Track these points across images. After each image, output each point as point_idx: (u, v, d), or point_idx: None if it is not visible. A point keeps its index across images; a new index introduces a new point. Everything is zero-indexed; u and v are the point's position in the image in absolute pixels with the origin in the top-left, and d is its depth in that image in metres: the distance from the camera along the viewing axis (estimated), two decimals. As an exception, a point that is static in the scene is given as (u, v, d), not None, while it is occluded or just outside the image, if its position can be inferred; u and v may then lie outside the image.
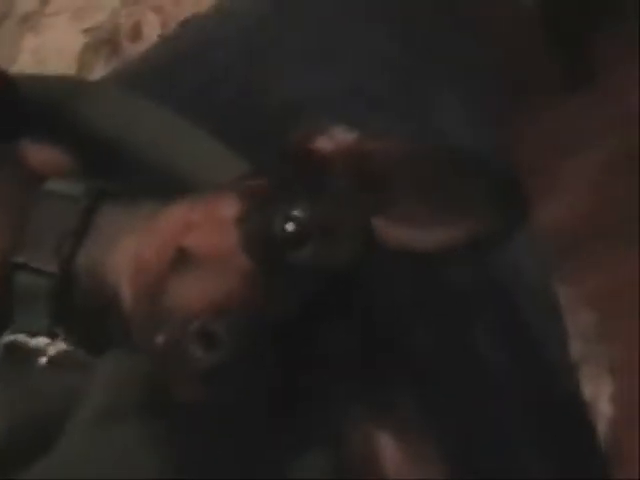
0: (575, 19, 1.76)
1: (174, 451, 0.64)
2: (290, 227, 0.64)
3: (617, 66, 1.78)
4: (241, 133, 0.81)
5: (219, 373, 0.59)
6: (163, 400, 0.62)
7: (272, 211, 0.65)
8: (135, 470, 0.64)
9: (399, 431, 0.68)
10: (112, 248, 0.69)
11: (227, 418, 0.63)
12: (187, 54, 0.94)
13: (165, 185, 0.76)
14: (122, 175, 0.77)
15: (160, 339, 0.60)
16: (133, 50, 1.14)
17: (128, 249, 0.68)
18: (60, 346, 0.70)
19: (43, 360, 0.70)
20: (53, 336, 0.70)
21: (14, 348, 0.70)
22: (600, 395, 1.35)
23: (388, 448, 0.68)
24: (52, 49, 1.14)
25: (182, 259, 0.63)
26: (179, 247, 0.64)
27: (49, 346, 0.70)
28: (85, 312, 0.70)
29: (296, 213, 0.64)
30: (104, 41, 1.14)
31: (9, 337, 0.70)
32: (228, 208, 0.67)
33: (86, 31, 1.14)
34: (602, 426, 1.32)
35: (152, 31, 1.14)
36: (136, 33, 1.15)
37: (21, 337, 0.70)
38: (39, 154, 0.75)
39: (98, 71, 1.14)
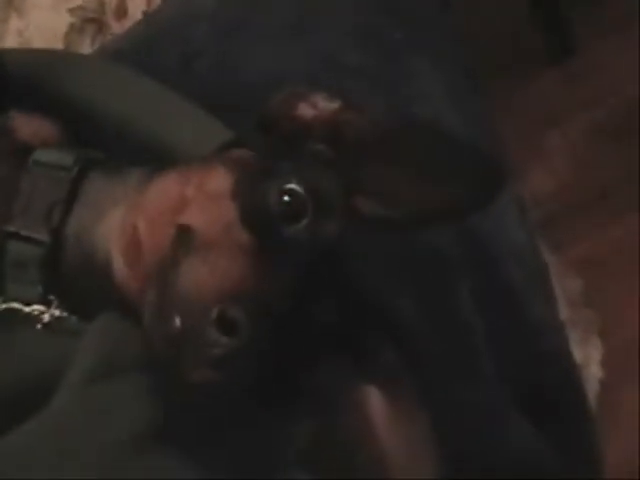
0: (553, 3, 1.79)
1: (161, 407, 0.65)
2: (287, 200, 0.65)
3: (592, 42, 1.80)
4: (217, 107, 0.81)
5: (234, 357, 0.59)
6: (168, 379, 0.62)
7: (266, 184, 0.65)
8: (121, 423, 0.64)
9: (385, 388, 0.69)
10: (101, 216, 0.70)
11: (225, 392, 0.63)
12: (167, 29, 0.95)
13: (149, 152, 0.77)
14: (107, 144, 0.78)
15: (177, 322, 0.59)
16: (119, 29, 1.13)
17: (117, 219, 0.69)
18: (54, 313, 0.71)
19: (38, 327, 0.71)
20: (46, 303, 0.71)
21: (8, 315, 0.71)
22: (590, 358, 1.36)
23: (377, 404, 0.69)
24: (37, 30, 1.13)
25: (183, 237, 0.64)
26: (178, 224, 0.65)
27: (43, 313, 0.71)
28: (75, 279, 0.71)
29: (292, 186, 0.65)
30: (90, 20, 1.14)
31: (3, 305, 0.71)
32: (220, 181, 0.67)
33: (71, 10, 1.14)
34: (594, 388, 1.33)
35: (137, 9, 1.13)
36: (121, 11, 1.14)
37: (15, 304, 0.71)
38: (27, 125, 0.76)
39: (84, 50, 1.13)
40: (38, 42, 1.14)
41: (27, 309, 0.71)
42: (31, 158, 0.73)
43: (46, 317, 0.71)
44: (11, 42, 1.13)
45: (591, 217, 1.62)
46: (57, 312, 0.71)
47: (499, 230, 0.90)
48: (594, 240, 1.60)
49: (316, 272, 0.66)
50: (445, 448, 0.69)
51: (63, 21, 1.14)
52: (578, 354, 1.27)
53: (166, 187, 0.69)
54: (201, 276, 0.61)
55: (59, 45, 1.14)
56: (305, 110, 0.70)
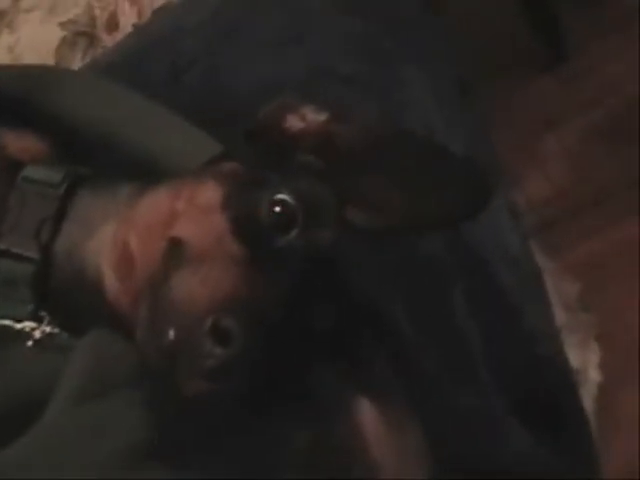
0: (550, 4, 1.79)
1: (155, 419, 0.64)
2: (278, 210, 0.65)
3: (588, 43, 1.80)
4: (208, 118, 0.81)
5: (228, 367, 0.59)
6: (163, 391, 0.62)
7: (256, 195, 0.66)
8: (115, 437, 0.64)
9: (378, 398, 0.69)
10: (91, 232, 0.71)
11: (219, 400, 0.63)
12: (157, 42, 0.95)
13: (139, 168, 0.77)
14: (97, 159, 0.78)
15: (171, 334, 0.60)
16: (110, 42, 1.14)
17: (108, 235, 0.69)
18: (45, 329, 0.71)
19: (29, 343, 0.71)
20: (37, 319, 0.71)
21: (0, 332, 0.71)
22: (588, 362, 1.36)
23: (368, 414, 0.69)
24: (29, 44, 1.14)
25: (175, 250, 0.64)
26: (169, 237, 0.65)
27: (34, 330, 0.71)
28: (65, 295, 0.71)
29: (282, 196, 0.65)
30: (81, 34, 1.14)
31: None
32: (210, 194, 0.67)
33: (62, 24, 1.14)
34: (593, 391, 1.33)
35: (128, 22, 1.14)
36: (112, 24, 1.14)
37: (6, 322, 0.71)
38: (17, 141, 0.77)
39: (76, 64, 1.13)
40: (29, 56, 1.14)
41: (18, 326, 0.71)
42: (20, 175, 0.74)
43: (37, 334, 0.71)
44: (2, 58, 1.13)
45: (589, 220, 1.62)
46: (48, 328, 0.71)
47: (491, 235, 0.90)
48: (593, 243, 1.59)
49: (310, 280, 0.67)
50: (443, 452, 0.69)
51: (54, 35, 1.14)
52: (576, 358, 1.27)
53: (157, 201, 0.69)
54: (193, 287, 0.62)
55: (51, 59, 1.14)
56: (294, 122, 0.70)
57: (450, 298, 0.85)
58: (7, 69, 0.86)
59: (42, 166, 0.74)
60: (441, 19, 1.01)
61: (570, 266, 1.48)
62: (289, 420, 0.67)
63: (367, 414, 0.69)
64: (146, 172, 0.76)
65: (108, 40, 1.14)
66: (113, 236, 0.69)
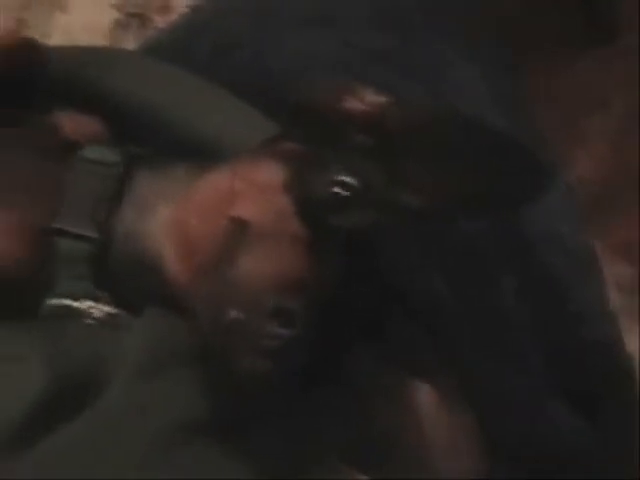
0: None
1: (211, 399, 0.65)
2: (339, 191, 0.65)
3: (638, 22, 1.78)
4: (256, 97, 0.81)
5: (289, 348, 0.60)
6: (220, 371, 0.63)
7: (318, 176, 0.66)
8: (170, 415, 0.65)
9: (431, 378, 0.69)
10: (149, 213, 0.71)
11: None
12: (206, 22, 0.94)
13: (194, 148, 0.78)
14: (152, 140, 0.79)
15: (233, 313, 0.60)
16: (163, 23, 1.14)
17: (167, 215, 0.70)
18: (104, 308, 0.72)
19: (88, 322, 0.72)
20: (96, 299, 0.72)
21: (59, 311, 0.72)
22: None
23: (422, 394, 0.69)
24: (82, 26, 1.14)
25: (238, 229, 0.65)
26: (230, 217, 0.65)
27: (93, 309, 0.72)
28: (124, 275, 0.72)
29: (344, 177, 0.66)
30: (134, 15, 1.14)
31: (54, 300, 0.72)
32: (271, 174, 0.68)
33: (115, 6, 1.14)
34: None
35: (181, 3, 1.14)
36: (166, 6, 1.15)
37: (66, 300, 0.72)
38: (73, 123, 0.77)
39: (129, 46, 1.13)
40: (83, 38, 1.15)
41: (77, 304, 0.72)
42: (77, 155, 0.74)
43: (96, 312, 0.72)
44: (56, 40, 1.14)
45: (637, 200, 1.60)
46: (106, 307, 0.72)
47: (540, 217, 0.89)
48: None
49: (354, 260, 0.67)
50: (493, 434, 0.69)
51: (107, 17, 1.14)
52: (630, 343, 1.25)
53: (216, 181, 0.70)
54: (257, 268, 0.62)
55: (104, 41, 1.15)
56: (352, 103, 0.70)
57: (496, 281, 0.84)
58: (61, 50, 0.86)
59: (98, 146, 0.75)
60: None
61: (621, 248, 1.47)
62: (335, 400, 0.68)
63: (420, 395, 0.69)
64: (202, 152, 0.76)
65: (161, 22, 1.15)
66: (172, 216, 0.70)
